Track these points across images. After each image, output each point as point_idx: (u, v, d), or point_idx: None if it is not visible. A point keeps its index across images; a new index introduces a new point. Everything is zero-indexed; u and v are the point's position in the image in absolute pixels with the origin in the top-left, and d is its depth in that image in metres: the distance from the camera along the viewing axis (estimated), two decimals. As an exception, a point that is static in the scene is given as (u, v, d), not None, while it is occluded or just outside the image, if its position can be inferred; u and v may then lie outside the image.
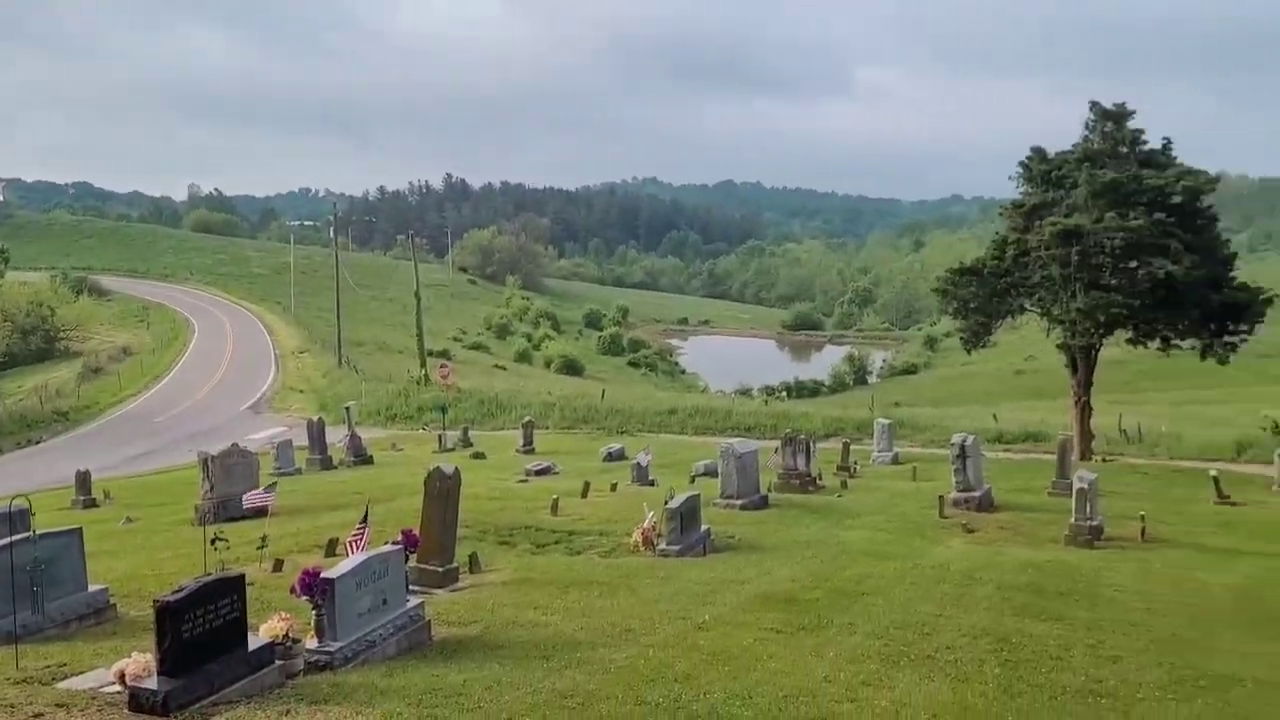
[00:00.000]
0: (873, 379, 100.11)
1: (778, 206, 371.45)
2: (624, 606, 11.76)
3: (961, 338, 35.48)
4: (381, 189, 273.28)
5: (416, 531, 11.48)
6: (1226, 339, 30.64)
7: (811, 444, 24.70)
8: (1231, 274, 31.03)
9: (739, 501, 19.96)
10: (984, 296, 32.90)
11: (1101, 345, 32.07)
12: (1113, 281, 30.02)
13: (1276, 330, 69.56)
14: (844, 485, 24.27)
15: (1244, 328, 30.51)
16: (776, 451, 24.51)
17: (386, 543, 10.62)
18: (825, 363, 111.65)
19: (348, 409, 35.14)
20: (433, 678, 8.35)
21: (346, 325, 67.11)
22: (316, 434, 30.53)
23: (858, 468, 27.45)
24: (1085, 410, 32.49)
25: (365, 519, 10.97)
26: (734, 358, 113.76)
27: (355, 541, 10.51)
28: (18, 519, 11.62)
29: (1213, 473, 24.33)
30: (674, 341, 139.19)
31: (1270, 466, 26.98)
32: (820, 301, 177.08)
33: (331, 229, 63.49)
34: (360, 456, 31.20)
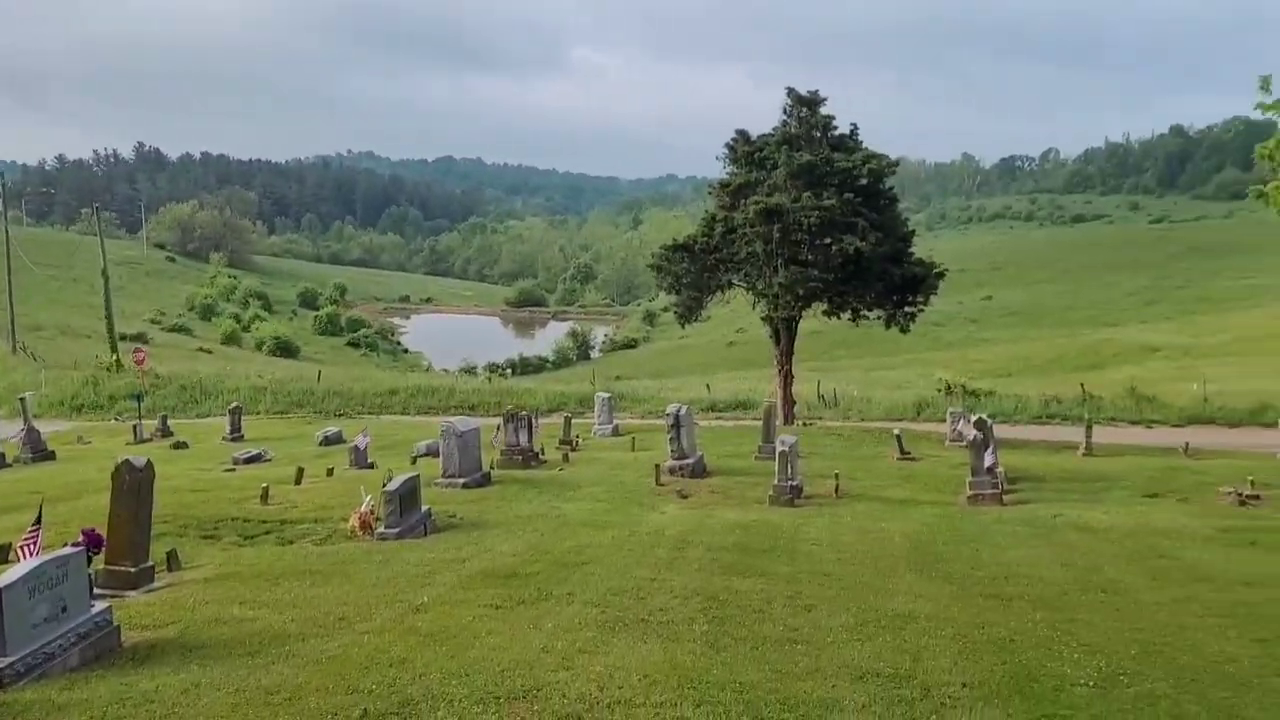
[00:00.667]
0: (595, 354, 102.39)
1: (499, 183, 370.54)
2: (338, 594, 11.39)
3: (676, 312, 36.90)
4: (61, 158, 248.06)
5: (101, 531, 10.57)
6: (907, 309, 33.69)
7: (534, 419, 24.91)
8: (910, 250, 34.11)
9: (461, 480, 19.83)
10: (695, 272, 34.35)
11: (801, 317, 34.36)
12: (809, 257, 32.20)
13: (948, 301, 77.36)
14: (566, 459, 24.69)
15: (920, 299, 33.65)
16: (499, 428, 24.54)
17: (66, 545, 9.71)
18: (549, 339, 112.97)
19: (23, 400, 31.74)
20: (121, 686, 7.74)
21: (22, 308, 60.63)
22: (-14, 429, 27.38)
23: (579, 441, 28.00)
24: (788, 378, 34.74)
25: (39, 520, 9.96)
26: (458, 336, 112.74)
27: (28, 546, 9.52)
28: None
29: (896, 432, 26.75)
30: (396, 320, 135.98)
31: (944, 424, 30.01)
32: (543, 278, 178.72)
33: None
34: (39, 452, 28.30)
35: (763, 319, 35.42)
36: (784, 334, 34.35)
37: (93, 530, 9.90)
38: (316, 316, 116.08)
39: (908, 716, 7.08)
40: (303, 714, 6.88)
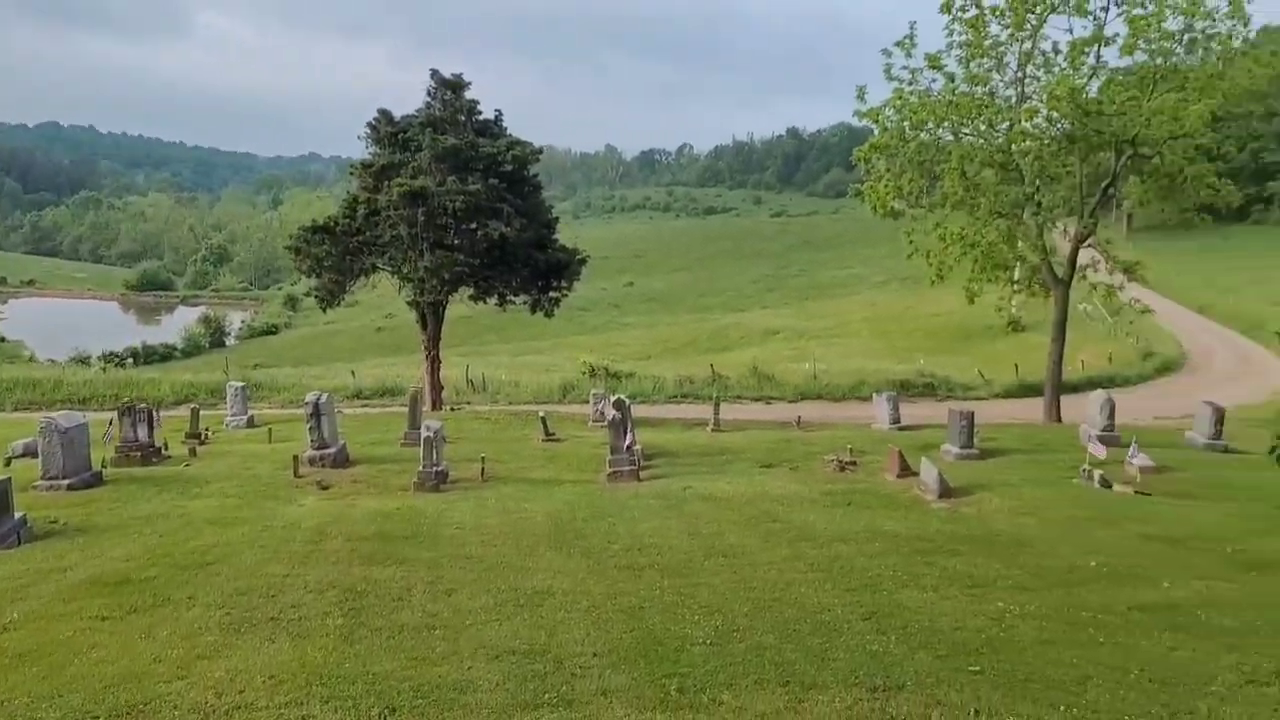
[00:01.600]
0: (231, 341, 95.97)
1: (116, 154, 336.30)
2: (-96, 619, 9.86)
3: (317, 296, 35.36)
4: None
5: None
6: (551, 294, 34.47)
7: (155, 412, 22.89)
8: (555, 237, 34.90)
9: (66, 481, 17.81)
10: (337, 255, 33.08)
11: (448, 302, 34.13)
12: (455, 241, 32.04)
13: (592, 287, 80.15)
14: (193, 453, 22.90)
15: (564, 284, 34.57)
16: (111, 423, 22.31)
17: None
18: (177, 325, 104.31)
19: None
20: None
21: None
22: None
23: (209, 434, 26.11)
24: (435, 363, 34.43)
25: None
26: (68, 322, 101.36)
27: None
28: None
29: (541, 414, 27.32)
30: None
31: (587, 405, 31.07)
32: (170, 260, 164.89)
33: None
34: None
35: (409, 303, 34.83)
36: (431, 319, 33.98)
37: None
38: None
39: (540, 690, 7.25)
40: None
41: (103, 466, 19.61)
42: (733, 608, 9.77)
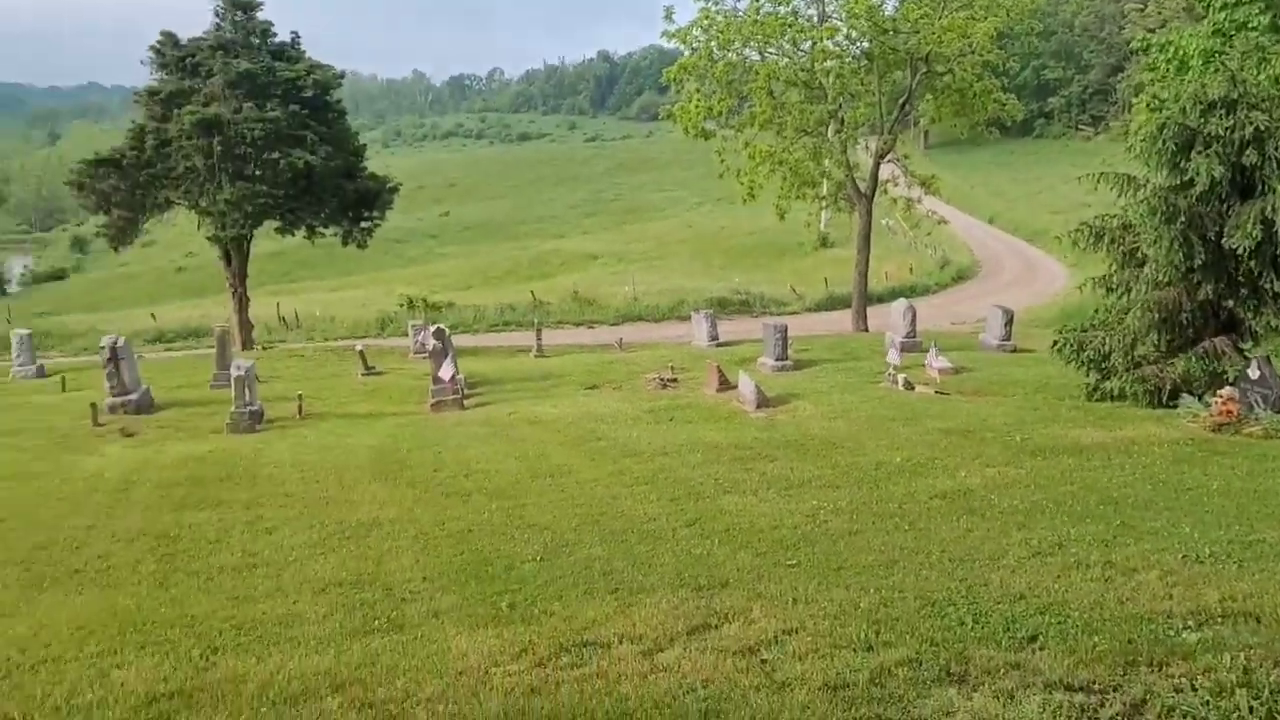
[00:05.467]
0: (14, 288, 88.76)
1: None
2: None
3: (107, 236, 33.14)
4: None
5: None
6: (363, 225, 33.41)
7: (-72, 366, 21.06)
8: (364, 165, 33.72)
9: None
10: (127, 190, 30.96)
11: (252, 236, 32.59)
12: (257, 172, 30.51)
13: (407, 217, 78.16)
14: (-24, 408, 21.26)
15: (376, 214, 33.56)
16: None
17: None
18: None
19: None
20: None
21: None
22: None
23: (-6, 386, 24.26)
24: (243, 301, 32.95)
25: None
26: None
27: None
28: None
29: (359, 347, 26.64)
30: None
31: (407, 338, 30.49)
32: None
33: None
34: None
35: (210, 239, 33.07)
36: (235, 255, 32.39)
37: None
38: None
39: (369, 617, 7.20)
40: None
41: None
42: (560, 524, 9.91)
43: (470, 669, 5.83)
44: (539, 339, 28.69)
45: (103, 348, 20.53)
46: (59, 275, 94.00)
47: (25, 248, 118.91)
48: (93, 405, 19.17)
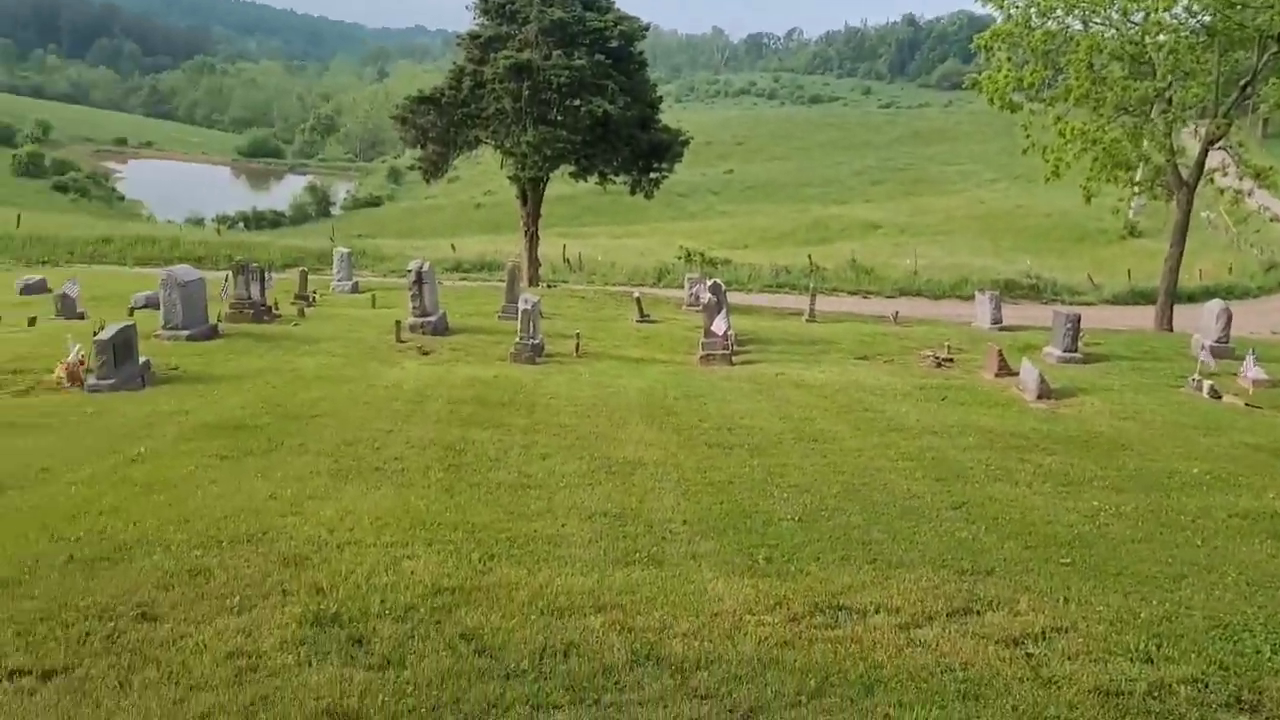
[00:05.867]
0: (336, 210, 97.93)
1: (230, 21, 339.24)
2: (42, 447, 10.61)
3: (421, 168, 35.77)
4: None
5: None
6: (651, 175, 34.23)
7: (266, 272, 23.71)
8: (658, 117, 34.47)
9: (185, 332, 18.68)
10: (442, 127, 33.26)
11: (548, 179, 34.19)
12: (559, 118, 31.90)
13: (692, 172, 79.23)
14: (301, 314, 23.73)
15: (665, 166, 34.27)
16: (227, 280, 23.17)
17: None
18: (286, 192, 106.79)
19: None
20: None
21: None
22: None
23: (316, 297, 26.96)
24: (533, 240, 34.71)
25: None
26: (183, 184, 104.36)
27: None
28: None
29: (636, 295, 27.48)
30: (111, 165, 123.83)
31: (682, 290, 31.11)
32: (280, 128, 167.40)
33: None
34: None
35: (510, 178, 34.99)
36: (531, 195, 34.13)
37: None
38: (15, 156, 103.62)
39: (631, 549, 7.49)
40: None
41: (218, 321, 20.46)
42: (821, 489, 9.87)
43: (725, 612, 5.96)
44: (812, 304, 28.45)
45: (409, 271, 22.29)
46: (375, 202, 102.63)
47: (350, 175, 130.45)
48: (397, 323, 20.91)
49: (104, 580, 6.12)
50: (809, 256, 41.72)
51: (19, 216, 46.40)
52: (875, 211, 73.10)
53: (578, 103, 31.70)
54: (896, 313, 28.78)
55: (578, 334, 20.92)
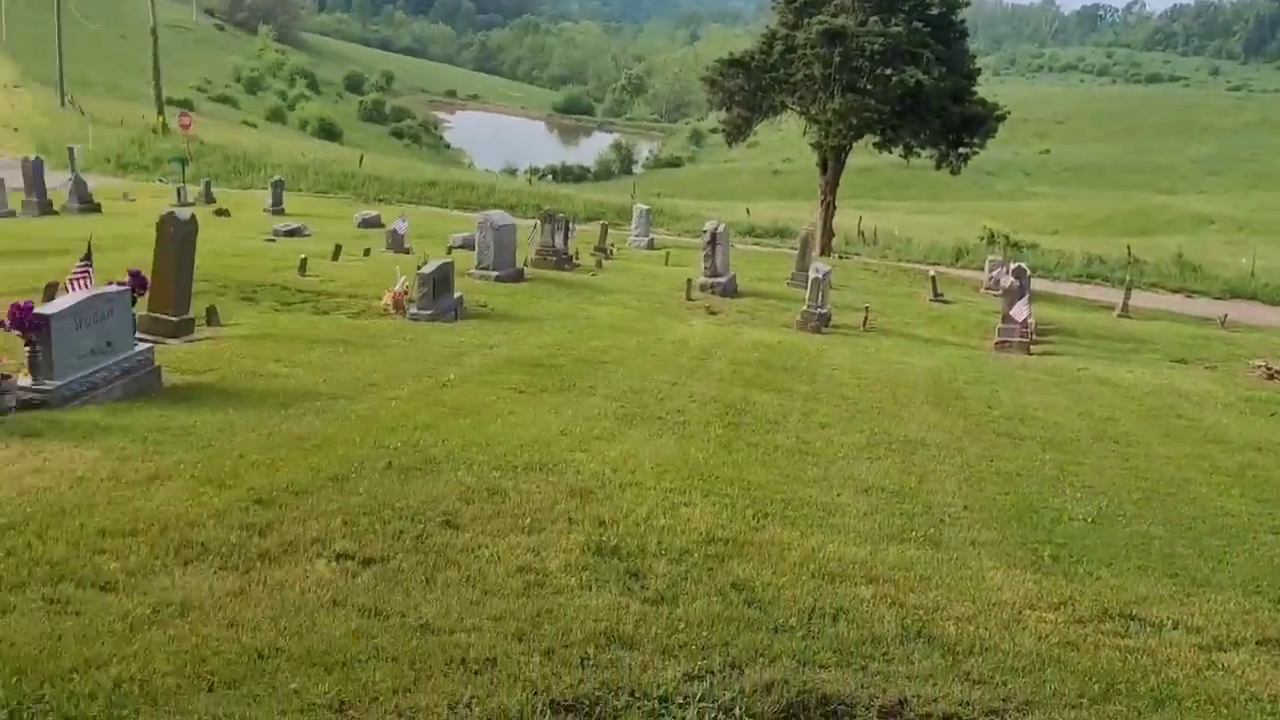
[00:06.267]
0: (638, 169, 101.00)
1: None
2: (369, 364, 11.75)
3: (724, 131, 36.17)
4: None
5: (147, 275, 10.81)
6: (960, 150, 32.82)
7: (571, 223, 24.89)
8: (974, 90, 32.93)
9: (494, 273, 20.01)
10: (749, 90, 33.41)
11: (851, 148, 33.59)
12: (868, 86, 31.19)
13: (1004, 150, 75.15)
14: (599, 265, 24.78)
15: (976, 142, 32.74)
16: (535, 228, 24.54)
17: (111, 284, 9.98)
18: (593, 149, 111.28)
19: (72, 151, 31.89)
20: (160, 418, 8.14)
21: (71, 62, 59.94)
22: (34, 175, 27.61)
23: (614, 250, 28.02)
24: (829, 209, 34.30)
25: (88, 257, 10.20)
26: (502, 136, 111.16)
27: (78, 280, 9.79)
28: None
29: (931, 273, 26.56)
30: (441, 115, 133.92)
31: (981, 272, 29.75)
32: (593, 86, 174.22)
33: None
34: (86, 203, 28.64)
35: (812, 146, 34.68)
36: (832, 163, 33.69)
37: (138, 271, 10.14)
38: (361, 102, 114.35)
39: (907, 527, 7.33)
40: (331, 459, 7.21)
41: (524, 265, 21.74)
42: (1119, 493, 9.21)
43: (1003, 603, 5.73)
44: (1127, 298, 26.37)
45: (704, 232, 22.67)
46: (676, 163, 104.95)
47: (653, 135, 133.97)
48: (688, 281, 21.38)
49: (415, 487, 6.73)
50: (1127, 248, 38.59)
51: (361, 157, 51.21)
52: (1209, 204, 66.46)
53: (889, 71, 30.87)
54: (1225, 316, 26.14)
55: (866, 307, 20.56)
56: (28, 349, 8.38)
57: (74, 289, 9.60)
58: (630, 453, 8.57)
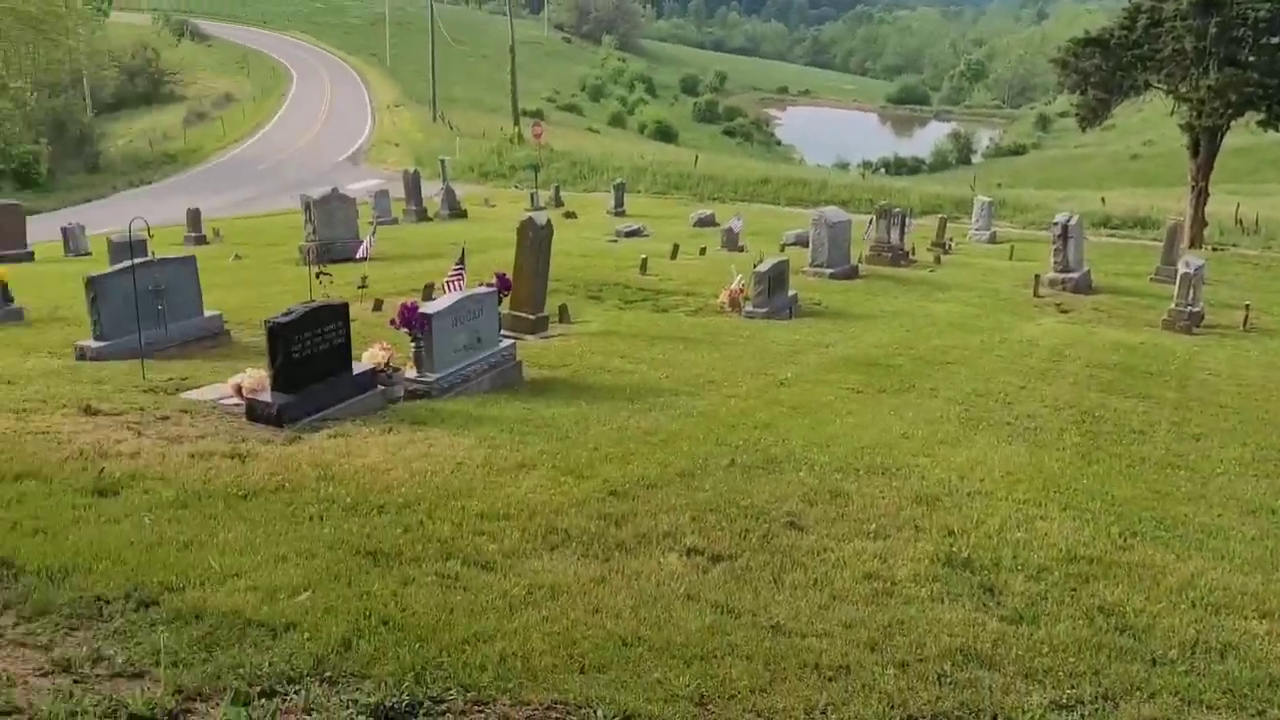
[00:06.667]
0: (977, 158, 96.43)
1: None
2: (707, 361, 12.05)
3: (1078, 115, 33.65)
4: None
5: (510, 276, 11.72)
6: (1367, 126, 28.57)
7: (907, 217, 24.22)
8: (1386, 57, 28.50)
9: (828, 270, 19.87)
10: (1107, 70, 30.85)
11: (1228, 128, 30.16)
12: (1250, 58, 27.85)
13: None
14: (937, 261, 23.92)
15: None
16: (870, 224, 24.10)
17: (480, 284, 10.92)
18: (928, 139, 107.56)
19: (443, 163, 35.27)
20: (524, 410, 8.78)
21: (441, 81, 66.30)
22: (413, 186, 30.84)
23: (953, 245, 26.94)
24: (1201, 196, 30.99)
25: (462, 260, 11.22)
26: (833, 130, 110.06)
27: (453, 282, 10.81)
28: (137, 247, 12.19)
29: (1329, 266, 23.32)
30: (771, 111, 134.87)
31: (1393, 264, 25.73)
32: (929, 75, 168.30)
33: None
34: (454, 210, 31.59)
35: (1181, 127, 31.42)
36: (1205, 146, 30.38)
37: (504, 274, 11.01)
38: (695, 103, 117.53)
39: (1307, 558, 6.48)
40: (677, 454, 7.46)
41: (858, 262, 21.42)
42: None
43: None
44: None
45: (1055, 224, 21.24)
46: (1019, 150, 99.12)
47: (993, 122, 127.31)
48: (1035, 277, 20.13)
49: (758, 485, 6.81)
50: None
51: (696, 157, 52.69)
52: None
53: (1276, 41, 27.37)
54: None
55: (1247, 305, 18.37)
56: (413, 344, 9.34)
57: (450, 290, 10.59)
58: (977, 459, 8.20)
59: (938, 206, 38.93)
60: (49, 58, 51.54)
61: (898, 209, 24.41)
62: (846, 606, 4.86)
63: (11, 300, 13.03)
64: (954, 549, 5.80)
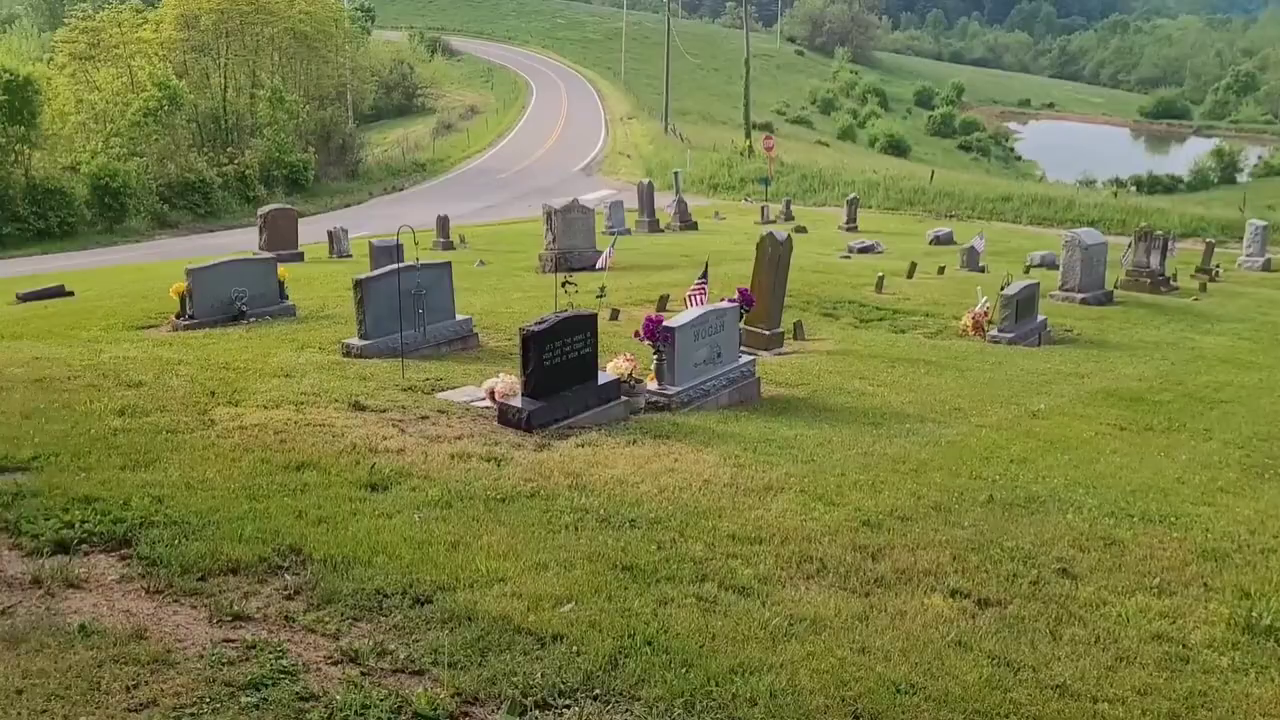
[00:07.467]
0: (1243, 177, 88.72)
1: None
2: (952, 386, 11.53)
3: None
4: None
5: (751, 291, 11.62)
6: None
7: (1170, 241, 22.50)
8: None
9: (1080, 295, 18.69)
10: None
11: None
12: None
13: None
14: (1202, 288, 22.08)
15: None
16: (1128, 247, 22.52)
17: (722, 300, 10.87)
18: (1186, 156, 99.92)
19: (676, 175, 35.75)
20: (765, 428, 8.64)
21: (673, 94, 67.32)
22: (646, 197, 31.37)
23: (1219, 271, 24.81)
24: None
25: (705, 274, 11.22)
26: (1078, 146, 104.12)
27: (695, 295, 10.81)
28: (397, 251, 12.90)
29: None
30: (1011, 125, 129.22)
31: None
32: (1189, 87, 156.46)
33: (664, -6, 63.56)
34: (686, 222, 31.90)
35: None
36: None
37: (747, 290, 10.91)
38: (930, 117, 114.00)
39: None
40: (929, 486, 7.11)
41: (1113, 287, 20.05)
42: None
43: None
44: None
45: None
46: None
47: (1264, 139, 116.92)
48: (1322, 310, 18.22)
49: (1021, 526, 6.38)
50: None
51: (932, 173, 51.08)
52: None
53: None
54: None
55: None
56: (655, 356, 9.39)
57: (692, 303, 10.59)
58: (1267, 512, 7.41)
59: (1200, 229, 36.12)
60: (320, 73, 56.06)
61: (1159, 231, 22.72)
62: (1137, 670, 4.43)
63: (286, 297, 14.07)
64: (1253, 613, 5.20)
